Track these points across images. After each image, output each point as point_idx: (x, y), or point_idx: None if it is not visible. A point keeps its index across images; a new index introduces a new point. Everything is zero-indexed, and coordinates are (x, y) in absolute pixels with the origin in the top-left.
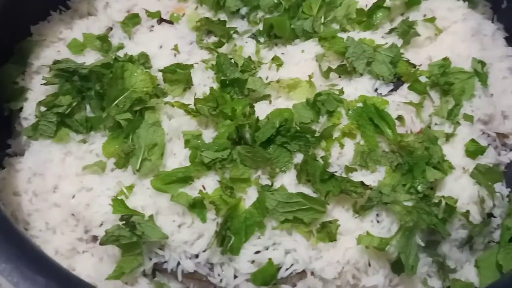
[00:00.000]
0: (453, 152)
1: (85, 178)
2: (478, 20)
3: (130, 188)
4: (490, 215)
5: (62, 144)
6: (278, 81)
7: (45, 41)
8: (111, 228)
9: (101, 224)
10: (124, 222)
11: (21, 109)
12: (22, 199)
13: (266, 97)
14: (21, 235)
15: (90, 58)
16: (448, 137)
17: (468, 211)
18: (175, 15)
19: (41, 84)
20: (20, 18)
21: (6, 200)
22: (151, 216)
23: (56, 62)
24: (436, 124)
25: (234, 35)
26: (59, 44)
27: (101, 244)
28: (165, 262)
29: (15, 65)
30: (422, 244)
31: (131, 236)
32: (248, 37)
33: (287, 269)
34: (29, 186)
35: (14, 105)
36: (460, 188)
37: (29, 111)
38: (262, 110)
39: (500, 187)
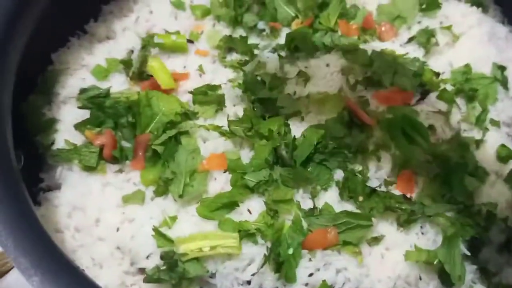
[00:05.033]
0: (485, 157)
1: (127, 209)
2: (491, 24)
3: (174, 218)
4: None
5: (100, 175)
6: (307, 97)
7: (68, 69)
8: (151, 270)
9: (148, 256)
10: (164, 260)
11: (53, 142)
12: (65, 236)
13: (297, 113)
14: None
15: (116, 82)
16: (478, 143)
17: (507, 217)
18: (194, 33)
19: (78, 107)
20: (40, 47)
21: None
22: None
23: (82, 90)
24: (465, 130)
25: (255, 51)
26: (82, 71)
27: (144, 282)
28: None
29: (40, 96)
30: (468, 253)
31: (171, 278)
32: (269, 51)
33: None
34: (70, 222)
35: (44, 138)
36: (497, 193)
37: (61, 143)
38: (295, 126)
39: None
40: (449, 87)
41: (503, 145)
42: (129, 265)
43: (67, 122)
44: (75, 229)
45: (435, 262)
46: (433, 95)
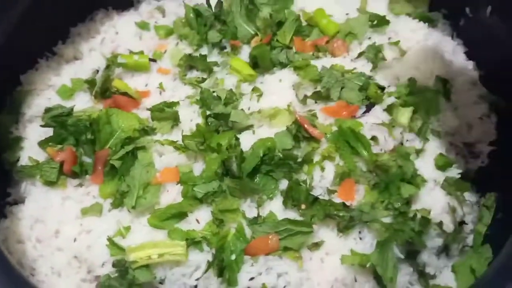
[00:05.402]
0: (425, 166)
1: (85, 221)
2: (439, 38)
3: (127, 228)
4: (462, 222)
5: (61, 189)
6: (259, 112)
7: (35, 89)
8: (103, 277)
9: (103, 264)
10: (116, 267)
11: (18, 159)
12: (27, 246)
13: (250, 127)
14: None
15: (80, 102)
16: (418, 152)
17: (441, 222)
18: (157, 52)
19: (40, 126)
20: (9, 68)
21: (12, 248)
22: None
23: (47, 109)
24: (407, 140)
25: (215, 68)
26: (49, 91)
27: None
28: None
29: (8, 115)
30: (402, 256)
31: (121, 285)
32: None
33: None
34: (32, 233)
35: (10, 155)
36: (433, 200)
37: (25, 160)
38: (246, 140)
39: (470, 195)
40: (393, 100)
41: (441, 154)
42: (86, 273)
43: (32, 140)
44: (36, 240)
45: (367, 265)
46: (378, 108)
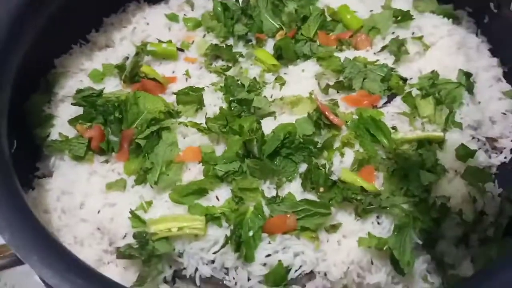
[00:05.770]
0: (446, 156)
1: (109, 195)
2: (462, 35)
3: (149, 203)
4: (483, 213)
5: (88, 164)
6: (281, 99)
7: (69, 72)
8: (123, 246)
9: (124, 236)
10: (136, 239)
11: (48, 134)
12: (52, 216)
13: (271, 113)
14: (60, 245)
15: (110, 86)
16: (440, 143)
17: (461, 210)
18: (185, 42)
19: (71, 104)
20: (45, 53)
21: (37, 218)
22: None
23: (79, 91)
24: (428, 131)
25: (240, 59)
26: (81, 75)
27: (117, 258)
28: (184, 269)
29: (41, 95)
30: (419, 241)
31: (140, 254)
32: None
33: (296, 270)
34: (58, 204)
35: (41, 131)
36: (453, 189)
37: (55, 136)
38: (268, 125)
39: (492, 187)
40: (415, 91)
41: (463, 145)
42: (107, 245)
43: (63, 118)
44: (62, 210)
45: (384, 248)
46: (399, 99)
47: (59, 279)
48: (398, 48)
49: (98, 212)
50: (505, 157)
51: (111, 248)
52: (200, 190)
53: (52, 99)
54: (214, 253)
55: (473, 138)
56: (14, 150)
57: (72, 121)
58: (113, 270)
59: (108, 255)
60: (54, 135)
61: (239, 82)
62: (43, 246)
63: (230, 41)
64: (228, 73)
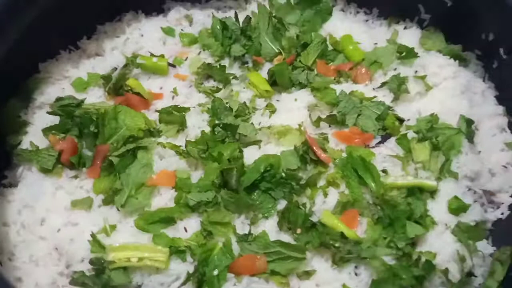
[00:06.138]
0: (437, 207)
1: (73, 213)
2: (468, 78)
3: (113, 226)
4: (471, 274)
5: (56, 178)
6: (269, 127)
7: (51, 78)
8: (77, 273)
9: (82, 260)
10: (93, 265)
11: (19, 142)
12: (11, 230)
13: (257, 142)
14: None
15: (93, 96)
16: (432, 192)
17: (447, 269)
18: (178, 58)
19: (47, 112)
20: (30, 56)
21: None
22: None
23: (58, 98)
24: (421, 178)
25: (233, 81)
26: (64, 82)
27: (69, 283)
28: None
29: (19, 100)
30: None
31: (94, 283)
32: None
33: None
34: (18, 218)
35: (14, 138)
36: (441, 244)
37: (27, 144)
38: (251, 155)
39: (484, 246)
40: (412, 134)
41: (456, 197)
42: (64, 267)
43: (38, 126)
44: (21, 225)
45: None
46: (393, 140)
47: None
48: (398, 86)
49: (58, 230)
50: (502, 213)
51: (68, 271)
52: (168, 219)
53: (30, 105)
54: None
55: (469, 189)
56: None
57: (46, 130)
58: None
59: (63, 278)
60: (25, 143)
61: (227, 105)
62: None
63: (226, 61)
64: (217, 95)
